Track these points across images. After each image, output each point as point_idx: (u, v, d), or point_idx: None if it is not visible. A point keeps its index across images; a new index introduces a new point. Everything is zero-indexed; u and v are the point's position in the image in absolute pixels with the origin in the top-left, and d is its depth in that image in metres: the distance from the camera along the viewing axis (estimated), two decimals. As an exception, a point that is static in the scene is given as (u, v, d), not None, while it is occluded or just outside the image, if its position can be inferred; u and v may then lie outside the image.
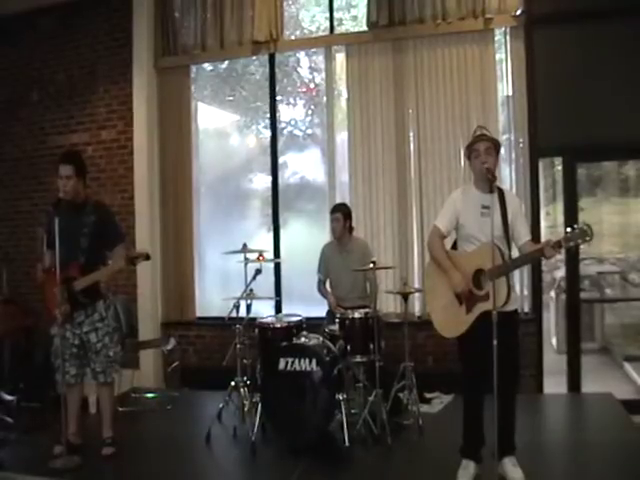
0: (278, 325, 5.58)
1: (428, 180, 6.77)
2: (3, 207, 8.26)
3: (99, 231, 4.97)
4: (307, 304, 6.59)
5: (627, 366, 6.95)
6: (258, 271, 5.56)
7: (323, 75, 7.43)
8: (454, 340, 4.35)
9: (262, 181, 7.74)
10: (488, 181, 4.04)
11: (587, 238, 3.76)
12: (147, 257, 5.08)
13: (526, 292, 6.45)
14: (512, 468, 4.13)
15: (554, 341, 7.43)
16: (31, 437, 5.58)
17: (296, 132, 7.80)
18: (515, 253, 4.30)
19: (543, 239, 4.23)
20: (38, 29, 8.11)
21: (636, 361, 6.95)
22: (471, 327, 4.16)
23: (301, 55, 7.82)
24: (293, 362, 5.03)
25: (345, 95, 7.21)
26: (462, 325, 4.20)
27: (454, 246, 4.45)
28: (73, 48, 7.97)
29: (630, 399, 6.05)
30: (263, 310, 6.58)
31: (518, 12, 6.46)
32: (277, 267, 7.36)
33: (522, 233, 4.22)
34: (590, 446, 4.92)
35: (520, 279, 6.39)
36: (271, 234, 7.44)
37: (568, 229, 3.83)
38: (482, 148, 4.21)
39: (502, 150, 4.66)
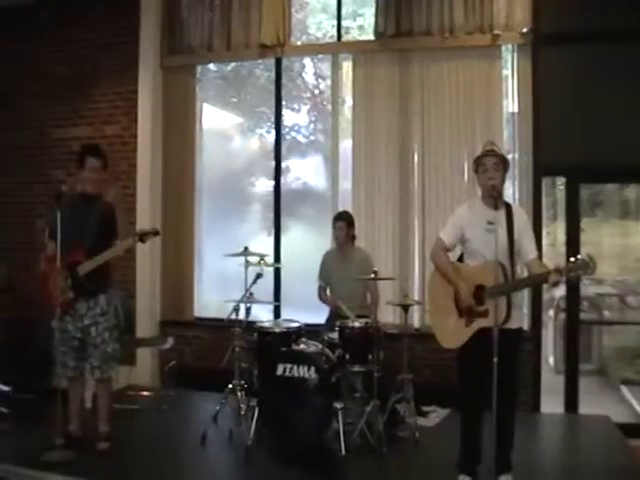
0: (277, 330, 5.59)
1: (431, 192, 6.77)
2: (3, 197, 8.21)
3: (106, 223, 4.98)
4: (306, 310, 6.59)
5: (624, 389, 6.97)
6: (259, 275, 5.54)
7: (328, 82, 7.43)
8: (452, 354, 4.40)
9: (264, 185, 7.75)
10: (492, 197, 4.09)
11: (589, 271, 3.77)
12: (156, 233, 5.04)
13: (525, 310, 6.39)
14: (508, 487, 4.16)
15: (551, 360, 7.46)
16: (25, 428, 5.57)
17: (299, 138, 7.82)
18: (520, 270, 4.33)
19: (544, 258, 4.22)
20: (40, 20, 8.03)
21: (633, 384, 6.95)
22: (469, 341, 4.19)
23: (307, 61, 7.83)
24: (291, 368, 5.03)
25: (350, 103, 7.20)
26: (461, 337, 4.24)
27: (460, 259, 4.47)
28: (76, 42, 7.89)
29: (626, 423, 6.05)
30: (261, 314, 6.58)
31: (525, 30, 6.47)
32: (277, 272, 7.33)
33: (528, 250, 4.21)
34: (586, 469, 4.92)
35: (520, 297, 6.37)
36: (271, 238, 7.42)
37: (571, 259, 3.86)
38: (490, 163, 4.22)
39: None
